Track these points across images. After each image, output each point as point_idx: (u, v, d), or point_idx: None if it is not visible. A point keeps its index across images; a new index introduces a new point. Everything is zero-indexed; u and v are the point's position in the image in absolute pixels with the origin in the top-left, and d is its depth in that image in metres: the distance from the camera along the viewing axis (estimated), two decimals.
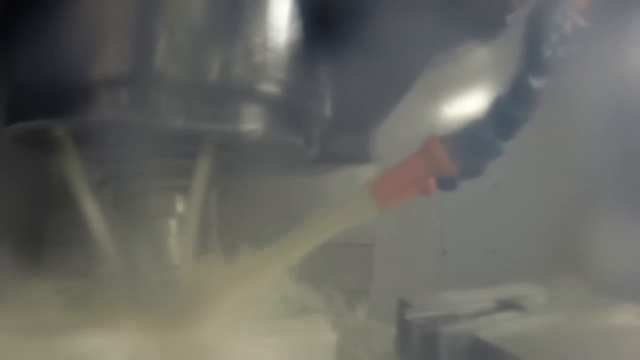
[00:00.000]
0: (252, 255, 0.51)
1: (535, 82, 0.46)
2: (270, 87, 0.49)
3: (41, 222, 0.65)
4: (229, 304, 0.51)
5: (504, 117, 0.45)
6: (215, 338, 0.49)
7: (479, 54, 0.64)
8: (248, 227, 0.60)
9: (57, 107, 0.47)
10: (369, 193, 0.47)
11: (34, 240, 0.63)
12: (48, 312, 0.51)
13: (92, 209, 0.52)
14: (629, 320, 0.64)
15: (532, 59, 0.46)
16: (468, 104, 0.75)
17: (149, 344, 0.46)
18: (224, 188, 0.60)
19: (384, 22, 0.52)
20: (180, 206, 0.54)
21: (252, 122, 0.49)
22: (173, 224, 0.54)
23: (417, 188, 0.47)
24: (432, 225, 0.81)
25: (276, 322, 0.54)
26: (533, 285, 0.68)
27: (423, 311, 0.60)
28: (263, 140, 0.51)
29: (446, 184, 0.48)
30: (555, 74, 0.46)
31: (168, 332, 0.47)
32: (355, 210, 0.49)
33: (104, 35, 0.46)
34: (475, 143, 0.46)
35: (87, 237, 0.52)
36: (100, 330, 0.47)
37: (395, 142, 0.61)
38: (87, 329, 0.47)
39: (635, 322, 0.64)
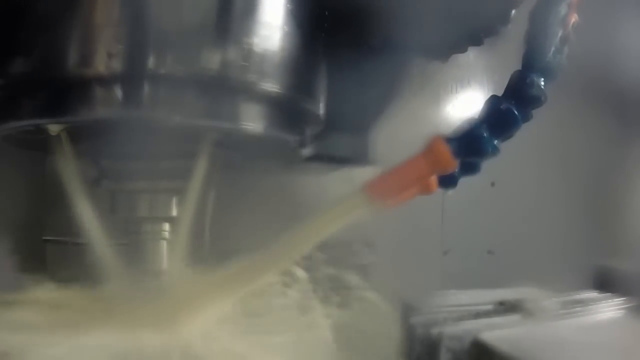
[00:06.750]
0: (246, 257, 0.50)
1: (537, 80, 0.45)
2: (267, 84, 0.48)
3: (41, 221, 0.64)
4: (222, 305, 0.50)
5: (503, 115, 0.45)
6: (208, 339, 0.48)
7: (480, 52, 0.63)
8: (244, 228, 0.60)
9: (50, 106, 0.46)
10: (367, 192, 0.47)
11: (34, 240, 0.63)
12: (41, 311, 0.50)
13: (85, 209, 0.51)
14: (623, 316, 0.65)
15: (535, 55, 0.45)
16: (469, 104, 0.75)
17: (137, 346, 0.45)
18: (220, 188, 0.59)
19: (383, 19, 0.51)
20: (174, 209, 0.53)
21: (250, 119, 0.49)
22: (166, 227, 0.54)
23: (419, 187, 0.47)
24: (433, 225, 0.80)
25: (272, 321, 0.54)
26: (536, 287, 0.68)
27: (426, 313, 0.60)
28: (259, 137, 0.50)
29: (447, 182, 0.48)
30: (559, 75, 0.46)
31: (157, 334, 0.47)
32: (352, 210, 0.48)
33: (98, 30, 0.45)
34: (474, 142, 0.45)
35: (85, 237, 0.52)
36: (87, 330, 0.46)
37: (395, 143, 0.61)
38: (73, 328, 0.46)
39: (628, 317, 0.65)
